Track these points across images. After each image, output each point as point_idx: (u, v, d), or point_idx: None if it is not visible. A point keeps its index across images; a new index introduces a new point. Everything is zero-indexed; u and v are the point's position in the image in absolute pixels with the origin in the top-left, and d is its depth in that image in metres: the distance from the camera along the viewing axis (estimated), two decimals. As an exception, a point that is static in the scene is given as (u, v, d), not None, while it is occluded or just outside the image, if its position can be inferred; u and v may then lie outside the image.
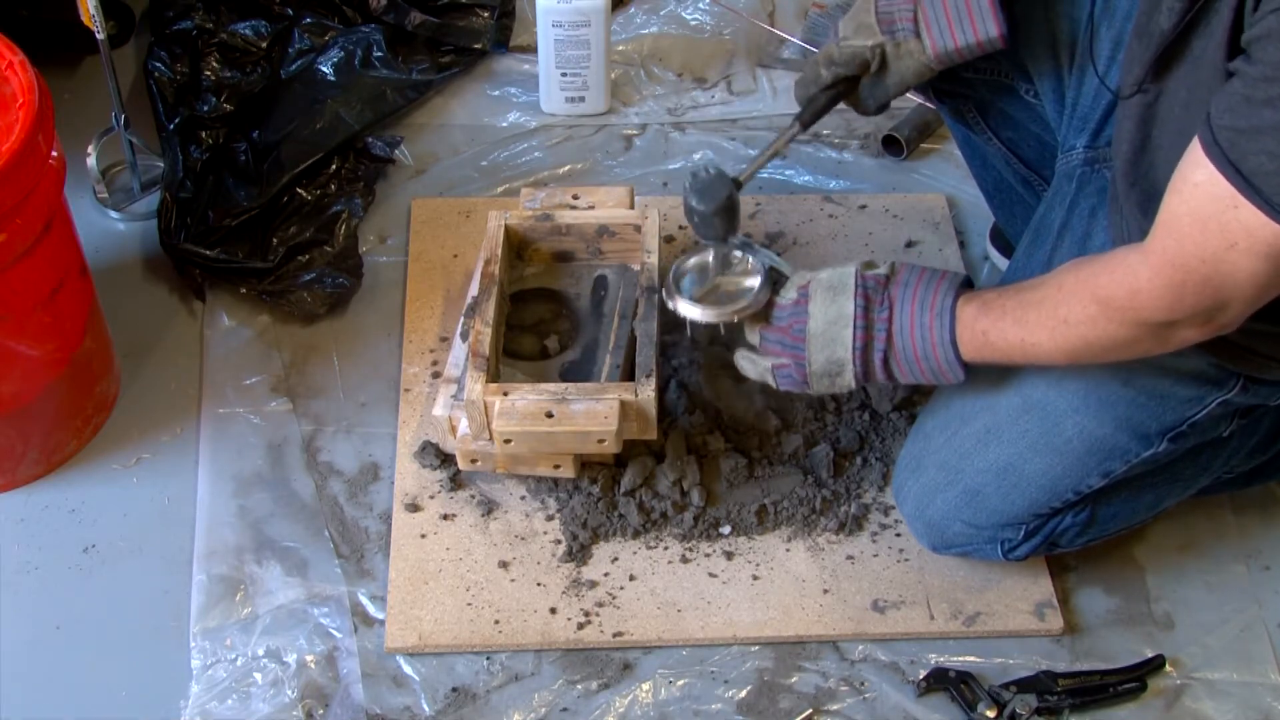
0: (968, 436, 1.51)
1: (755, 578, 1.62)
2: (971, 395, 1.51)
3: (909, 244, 1.98)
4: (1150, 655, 1.58)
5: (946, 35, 1.46)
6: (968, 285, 1.41)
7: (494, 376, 1.62)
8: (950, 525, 1.54)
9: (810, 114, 1.56)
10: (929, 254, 1.97)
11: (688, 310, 1.48)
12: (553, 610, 1.59)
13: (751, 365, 1.48)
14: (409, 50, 2.19)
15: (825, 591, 1.61)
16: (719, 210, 1.46)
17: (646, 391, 1.58)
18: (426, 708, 1.52)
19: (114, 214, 2.00)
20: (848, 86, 1.55)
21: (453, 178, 2.09)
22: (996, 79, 1.63)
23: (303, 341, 1.86)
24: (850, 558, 1.64)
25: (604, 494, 1.66)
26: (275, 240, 1.93)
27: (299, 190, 2.00)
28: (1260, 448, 1.59)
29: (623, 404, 1.57)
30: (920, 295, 1.38)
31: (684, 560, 1.63)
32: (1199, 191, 1.13)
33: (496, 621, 1.58)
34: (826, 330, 1.40)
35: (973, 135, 1.75)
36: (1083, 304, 1.27)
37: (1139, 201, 1.35)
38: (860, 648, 1.58)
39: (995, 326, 1.34)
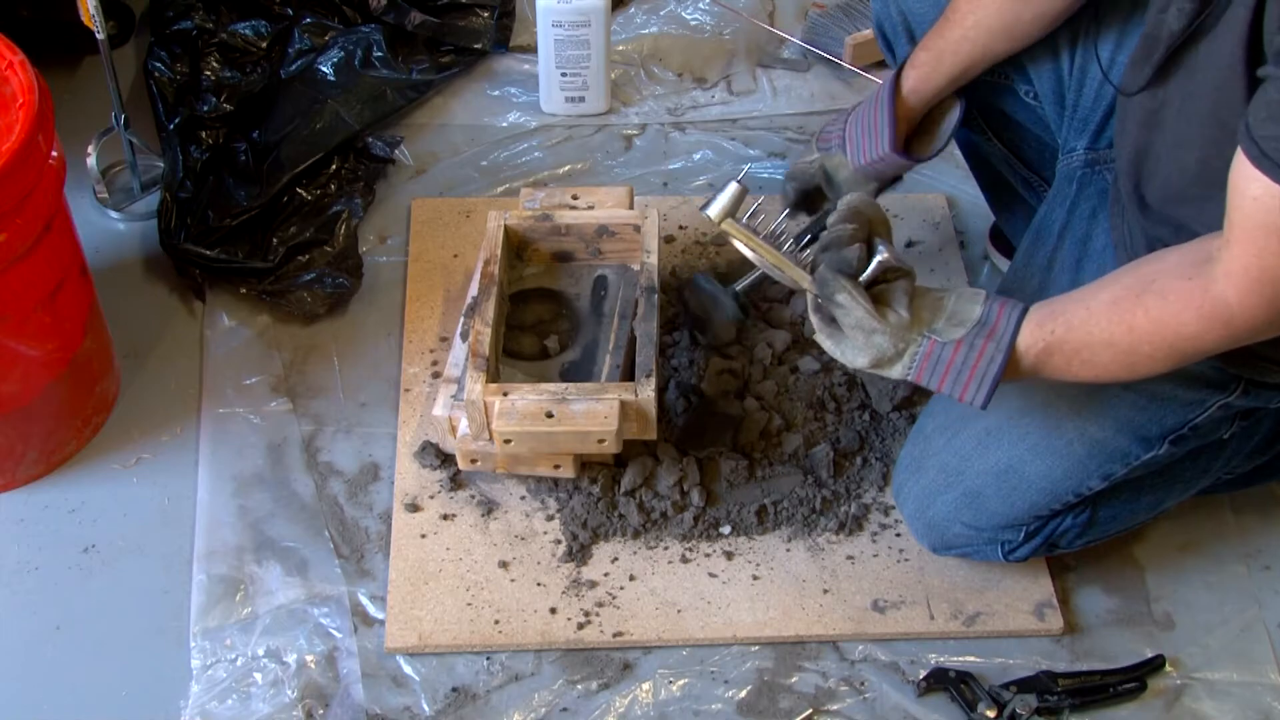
0: (968, 439, 1.51)
1: (755, 578, 1.62)
2: (972, 397, 1.51)
3: (909, 244, 1.98)
4: (1150, 655, 1.58)
5: (859, 151, 1.61)
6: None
7: (494, 376, 1.62)
8: (950, 527, 1.54)
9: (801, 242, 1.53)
10: (929, 254, 1.97)
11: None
12: (553, 610, 1.59)
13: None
14: (409, 50, 2.19)
15: (825, 591, 1.61)
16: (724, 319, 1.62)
17: (646, 391, 1.58)
18: (426, 708, 1.52)
19: (114, 214, 2.00)
20: (819, 202, 1.68)
21: (453, 178, 2.09)
22: (997, 81, 1.63)
23: (303, 341, 1.86)
24: (850, 558, 1.64)
25: (604, 494, 1.66)
26: (275, 240, 1.93)
27: (299, 190, 2.00)
28: (1260, 449, 1.59)
29: (623, 404, 1.57)
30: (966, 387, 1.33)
31: (684, 560, 1.63)
32: (1260, 205, 1.11)
33: (496, 621, 1.58)
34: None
35: (973, 136, 1.75)
36: (1169, 346, 1.22)
37: (1140, 205, 1.35)
38: (860, 648, 1.58)
39: (1066, 369, 1.29)
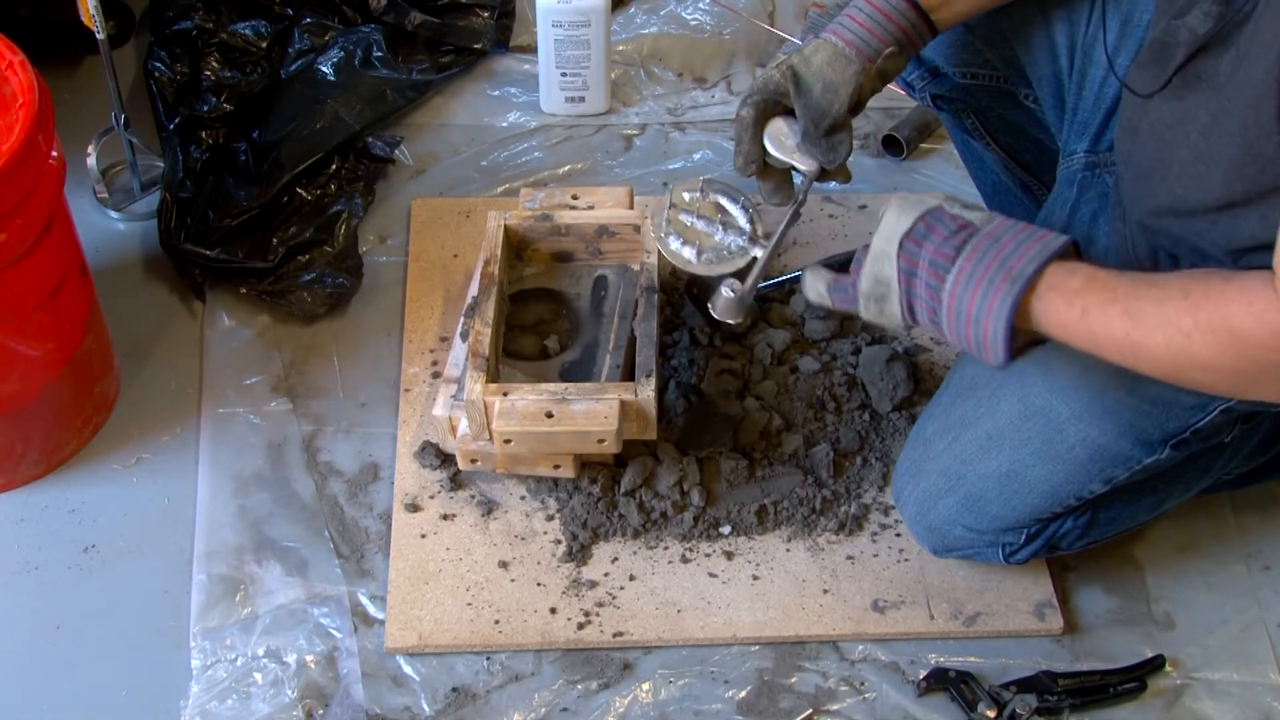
0: (969, 443, 1.50)
1: (755, 578, 1.62)
2: (972, 401, 1.51)
3: (909, 244, 1.98)
4: (1150, 655, 1.58)
5: (847, 22, 1.40)
6: (1065, 253, 1.25)
7: (494, 376, 1.62)
8: (951, 530, 1.54)
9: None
10: (929, 254, 1.97)
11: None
12: (553, 610, 1.59)
13: (810, 285, 1.40)
14: (409, 50, 2.19)
15: (825, 591, 1.61)
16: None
17: (646, 391, 1.58)
18: (426, 708, 1.52)
19: (114, 214, 2.00)
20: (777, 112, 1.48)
21: (453, 178, 2.09)
22: (995, 84, 1.63)
23: (303, 341, 1.86)
24: (850, 558, 1.64)
25: (604, 494, 1.66)
26: (275, 240, 1.93)
27: (299, 190, 2.00)
28: (1260, 449, 1.59)
29: (623, 404, 1.57)
30: (989, 276, 1.23)
31: (684, 560, 1.63)
32: None
33: (496, 621, 1.58)
34: (873, 290, 1.31)
35: (971, 141, 1.75)
36: (1212, 327, 1.14)
37: (1141, 215, 1.34)
38: (860, 648, 1.58)
39: (1099, 308, 1.20)
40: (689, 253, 1.51)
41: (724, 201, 1.52)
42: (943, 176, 2.10)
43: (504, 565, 1.62)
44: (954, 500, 1.52)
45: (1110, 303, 1.19)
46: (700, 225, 1.51)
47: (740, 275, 1.48)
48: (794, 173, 1.49)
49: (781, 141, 1.45)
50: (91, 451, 1.74)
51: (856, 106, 1.43)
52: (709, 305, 1.49)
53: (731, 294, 1.47)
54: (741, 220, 1.51)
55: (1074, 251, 1.25)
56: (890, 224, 1.28)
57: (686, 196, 1.53)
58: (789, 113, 1.46)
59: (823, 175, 1.47)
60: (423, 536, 1.65)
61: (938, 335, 1.31)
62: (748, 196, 1.53)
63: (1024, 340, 1.25)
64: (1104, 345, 1.21)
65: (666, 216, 1.52)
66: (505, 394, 1.58)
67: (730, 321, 1.49)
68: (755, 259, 1.48)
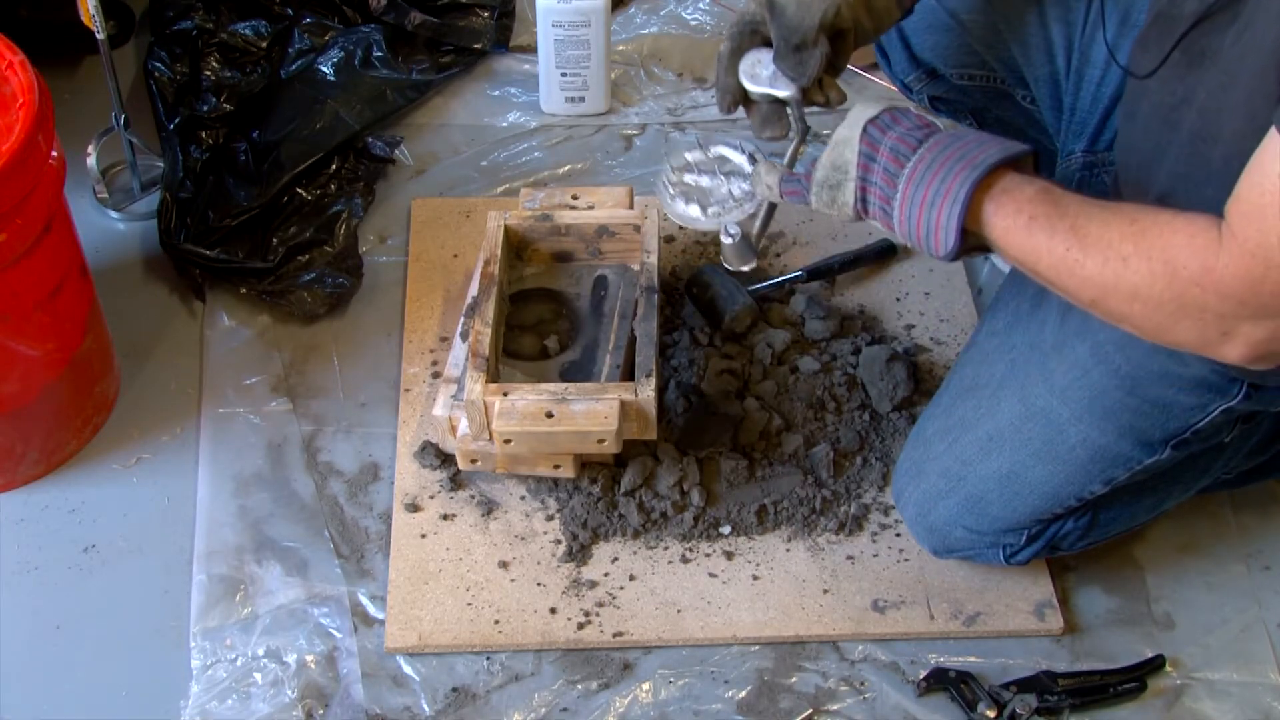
0: (969, 444, 1.50)
1: (755, 578, 1.62)
2: (972, 402, 1.51)
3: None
4: (1150, 655, 1.58)
5: None
6: (1025, 164, 1.25)
7: (494, 376, 1.62)
8: (952, 531, 1.54)
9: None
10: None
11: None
12: (553, 610, 1.59)
13: (759, 179, 1.39)
14: (409, 50, 2.19)
15: (825, 591, 1.61)
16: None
17: (646, 391, 1.58)
18: (426, 708, 1.52)
19: (114, 214, 2.00)
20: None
21: (453, 178, 2.09)
22: (993, 86, 1.63)
23: (303, 341, 1.86)
24: (850, 558, 1.64)
25: (604, 494, 1.66)
26: (275, 240, 1.93)
27: (299, 190, 2.00)
28: (1259, 449, 1.59)
29: (623, 404, 1.57)
30: (948, 164, 1.23)
31: (684, 560, 1.63)
32: None
33: (496, 621, 1.58)
34: (829, 177, 1.30)
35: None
36: (1150, 254, 1.14)
37: (1143, 202, 1.34)
38: (860, 648, 1.58)
39: (1046, 219, 1.19)
40: (694, 210, 1.44)
41: (726, 151, 1.46)
42: (943, 176, 2.09)
43: (504, 565, 1.62)
44: (954, 501, 1.52)
45: (1059, 217, 1.19)
46: (704, 181, 1.46)
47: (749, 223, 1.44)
48: (787, 106, 1.41)
49: (756, 72, 1.39)
50: (91, 451, 1.74)
51: (836, 35, 1.38)
52: (722, 259, 1.45)
53: (732, 239, 1.42)
54: (746, 166, 1.44)
55: (1032, 164, 1.26)
56: (856, 113, 1.28)
57: (688, 156, 1.47)
58: (767, 43, 1.40)
59: (810, 99, 1.40)
60: (423, 536, 1.65)
61: (883, 226, 1.29)
62: (750, 141, 1.46)
63: (970, 243, 1.25)
64: (1040, 259, 1.21)
65: (668, 179, 1.46)
66: (505, 394, 1.58)
67: (743, 268, 1.44)
68: (764, 201, 1.41)
